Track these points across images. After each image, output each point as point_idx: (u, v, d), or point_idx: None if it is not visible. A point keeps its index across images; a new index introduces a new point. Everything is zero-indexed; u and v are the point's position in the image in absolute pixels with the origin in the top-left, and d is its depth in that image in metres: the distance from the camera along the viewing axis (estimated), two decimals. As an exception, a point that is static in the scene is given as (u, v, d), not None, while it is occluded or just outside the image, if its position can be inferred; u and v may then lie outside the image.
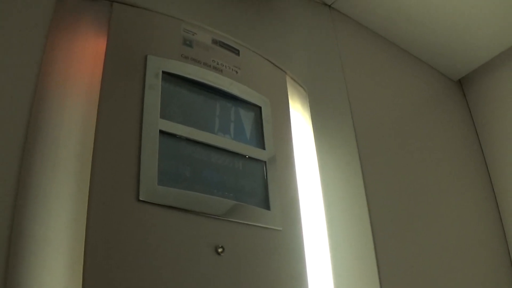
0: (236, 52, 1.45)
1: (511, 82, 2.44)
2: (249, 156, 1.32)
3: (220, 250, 1.14)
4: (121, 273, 0.99)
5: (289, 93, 1.55)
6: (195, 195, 1.16)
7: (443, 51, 2.45)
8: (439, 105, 2.46)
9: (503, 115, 2.43)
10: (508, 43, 2.42)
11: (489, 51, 2.48)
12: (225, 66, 1.39)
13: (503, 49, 2.46)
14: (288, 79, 1.58)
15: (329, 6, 2.11)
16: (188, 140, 1.21)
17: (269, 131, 1.39)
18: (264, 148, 1.36)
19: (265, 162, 1.34)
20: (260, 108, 1.41)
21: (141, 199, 1.06)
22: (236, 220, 1.21)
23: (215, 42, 1.41)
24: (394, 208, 1.80)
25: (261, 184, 1.31)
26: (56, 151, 1.06)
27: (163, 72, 1.24)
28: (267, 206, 1.29)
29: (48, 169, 1.04)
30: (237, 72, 1.40)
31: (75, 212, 1.01)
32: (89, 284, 0.94)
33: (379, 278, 1.56)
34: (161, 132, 1.16)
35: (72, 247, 0.98)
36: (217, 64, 1.37)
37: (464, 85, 2.68)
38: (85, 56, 1.19)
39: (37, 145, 1.05)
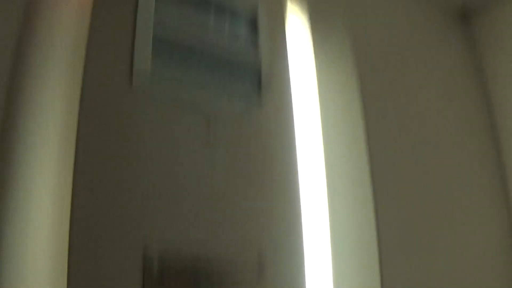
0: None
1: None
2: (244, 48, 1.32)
3: (211, 139, 1.14)
4: (114, 158, 1.01)
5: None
6: (187, 73, 1.18)
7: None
8: (443, 39, 2.42)
9: (509, 51, 2.39)
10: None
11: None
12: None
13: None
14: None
15: None
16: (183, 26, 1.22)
17: (265, 31, 1.40)
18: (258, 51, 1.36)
19: (260, 61, 1.34)
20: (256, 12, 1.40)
21: (134, 85, 1.09)
22: (227, 99, 1.23)
23: None
24: (392, 136, 1.78)
25: (255, 83, 1.32)
26: (54, 36, 1.08)
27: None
28: (259, 102, 1.30)
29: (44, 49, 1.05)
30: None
31: (68, 96, 1.02)
32: (80, 170, 0.95)
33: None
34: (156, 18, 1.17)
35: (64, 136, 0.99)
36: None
37: (469, 19, 2.64)
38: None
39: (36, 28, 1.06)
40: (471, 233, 1.89)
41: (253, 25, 1.39)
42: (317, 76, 1.55)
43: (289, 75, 1.41)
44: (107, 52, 1.08)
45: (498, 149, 2.28)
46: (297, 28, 1.55)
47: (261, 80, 1.32)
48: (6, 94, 0.99)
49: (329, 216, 1.40)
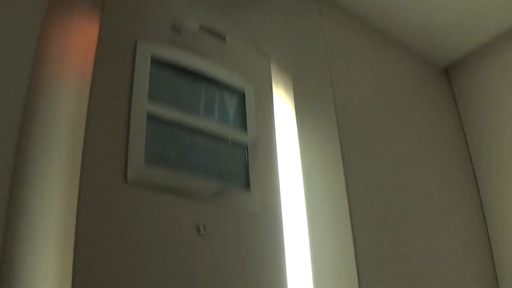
0: (223, 38, 1.50)
1: (497, 70, 2.46)
2: (231, 139, 1.38)
3: (201, 229, 1.19)
4: (110, 250, 1.05)
5: (273, 79, 1.60)
6: (179, 175, 1.23)
7: (429, 38, 2.48)
8: (424, 92, 2.49)
9: (489, 104, 2.45)
10: (496, 31, 2.44)
11: (476, 38, 2.50)
12: (212, 52, 1.44)
13: (490, 37, 2.48)
14: (273, 65, 1.63)
15: (318, -7, 2.15)
16: (174, 123, 1.27)
17: (252, 115, 1.45)
18: (246, 132, 1.41)
19: (247, 145, 1.40)
20: (243, 93, 1.47)
21: (129, 178, 1.12)
22: (217, 201, 1.27)
23: (202, 28, 1.46)
24: (373, 194, 1.84)
25: (242, 166, 1.38)
26: (50, 132, 1.13)
27: (152, 57, 1.30)
28: (247, 188, 1.35)
29: (41, 152, 1.10)
30: (222, 58, 1.45)
31: (67, 192, 1.07)
32: (79, 262, 1.00)
33: (356, 262, 1.61)
34: (149, 115, 1.22)
35: (64, 227, 1.04)
36: (204, 49, 1.42)
37: (450, 73, 2.71)
38: (79, 40, 1.25)
39: (32, 125, 1.10)
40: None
41: (242, 106, 1.45)
42: (300, 150, 1.61)
43: (276, 155, 1.47)
44: (103, 148, 1.12)
45: (480, 198, 2.35)
46: (283, 106, 1.61)
47: (249, 162, 1.38)
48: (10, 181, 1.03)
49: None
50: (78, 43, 1.24)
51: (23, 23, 1.19)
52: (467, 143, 2.52)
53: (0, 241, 0.98)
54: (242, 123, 1.43)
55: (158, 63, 1.31)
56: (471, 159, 2.47)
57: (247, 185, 1.36)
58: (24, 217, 1.02)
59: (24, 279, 0.99)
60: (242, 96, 1.46)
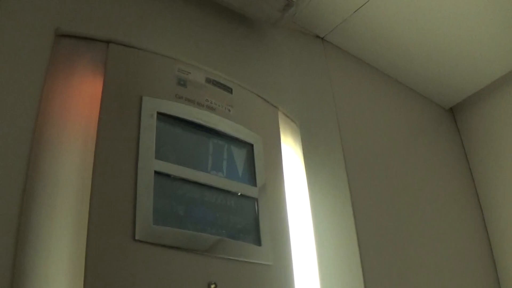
0: (229, 90, 1.49)
1: (502, 111, 2.47)
2: (241, 194, 1.36)
3: (213, 286, 1.17)
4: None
5: (281, 128, 1.59)
6: (188, 233, 1.20)
7: (435, 80, 2.49)
8: (430, 133, 2.49)
9: (494, 144, 2.46)
10: (500, 72, 2.45)
11: (481, 80, 2.51)
12: (218, 104, 1.43)
13: (495, 78, 2.49)
14: (280, 114, 1.62)
15: (322, 38, 2.16)
16: (182, 179, 1.25)
17: (261, 167, 1.43)
18: (255, 185, 1.40)
19: (256, 199, 1.38)
20: (252, 145, 1.45)
21: (137, 238, 1.10)
22: (227, 257, 1.25)
23: (208, 81, 1.45)
24: (385, 243, 1.83)
25: (252, 220, 1.35)
26: (55, 192, 1.10)
27: (158, 113, 1.28)
28: (258, 242, 1.33)
29: (47, 209, 1.07)
30: (229, 111, 1.44)
31: (74, 251, 1.05)
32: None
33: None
34: (156, 172, 1.20)
35: (72, 285, 1.01)
36: (211, 103, 1.41)
37: (455, 113, 2.71)
38: (82, 96, 1.24)
39: (36, 184, 1.08)
40: None
41: (250, 158, 1.43)
42: (310, 197, 1.60)
43: (285, 206, 1.45)
44: (110, 207, 1.11)
45: (487, 236, 2.34)
46: (291, 154, 1.60)
47: (259, 215, 1.36)
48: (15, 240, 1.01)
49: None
50: (82, 99, 1.23)
51: (26, 77, 1.19)
52: (474, 181, 2.53)
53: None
54: (251, 175, 1.41)
55: (164, 119, 1.29)
56: (478, 197, 2.48)
57: (257, 238, 1.33)
58: (30, 280, 0.99)
59: None
60: (250, 148, 1.45)
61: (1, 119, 1.11)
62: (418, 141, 2.37)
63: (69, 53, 1.28)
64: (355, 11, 2.06)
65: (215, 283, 1.18)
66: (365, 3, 2.01)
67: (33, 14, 1.27)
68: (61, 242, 1.06)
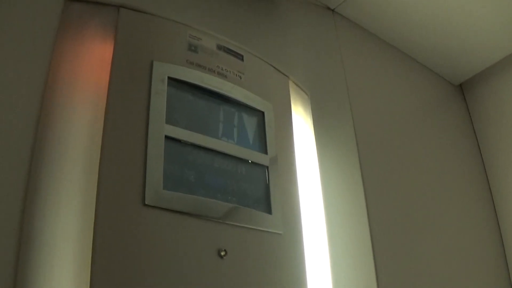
0: (240, 57, 1.47)
1: (511, 86, 2.45)
2: (251, 161, 1.35)
3: (222, 253, 1.16)
4: (128, 275, 1.02)
5: (291, 98, 1.58)
6: (199, 199, 1.19)
7: (445, 56, 2.47)
8: (440, 109, 2.48)
9: (503, 121, 2.45)
10: (510, 49, 2.43)
11: (491, 56, 2.50)
12: (229, 71, 1.41)
13: (504, 55, 2.47)
14: (291, 84, 1.61)
15: (332, 10, 2.14)
16: (193, 145, 1.24)
17: (272, 136, 1.42)
18: (266, 153, 1.38)
19: (267, 166, 1.37)
20: (263, 113, 1.44)
21: (147, 203, 1.09)
22: (238, 224, 1.24)
23: (219, 47, 1.43)
24: (393, 213, 1.83)
25: (263, 188, 1.34)
26: (64, 156, 1.09)
27: (169, 78, 1.27)
28: (268, 210, 1.32)
29: (56, 174, 1.07)
30: (241, 78, 1.43)
31: (83, 216, 1.04)
32: (97, 285, 0.97)
33: (377, 283, 1.59)
34: (167, 137, 1.19)
35: (80, 250, 1.01)
36: (222, 69, 1.39)
37: (465, 90, 2.70)
38: (92, 61, 1.22)
39: (45, 151, 1.08)
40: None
41: (261, 126, 1.42)
42: (320, 167, 1.59)
43: (296, 175, 1.45)
44: (120, 172, 1.10)
45: (496, 213, 2.34)
46: (301, 123, 1.58)
47: (269, 183, 1.35)
48: (19, 223, 1.00)
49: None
50: (92, 64, 1.22)
51: (35, 43, 1.18)
52: (482, 158, 2.52)
53: (15, 260, 0.96)
54: (262, 143, 1.40)
55: (175, 84, 1.28)
56: (486, 174, 2.47)
57: (268, 206, 1.32)
58: (39, 241, 0.99)
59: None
60: (261, 116, 1.43)
61: (11, 85, 1.10)
62: (427, 116, 2.36)
63: (79, 18, 1.26)
64: (366, -18, 2.05)
65: (225, 250, 1.17)
66: (377, -26, 2.00)
67: (43, -23, 1.25)
68: (69, 207, 1.05)
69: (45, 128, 1.10)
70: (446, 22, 2.23)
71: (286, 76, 1.61)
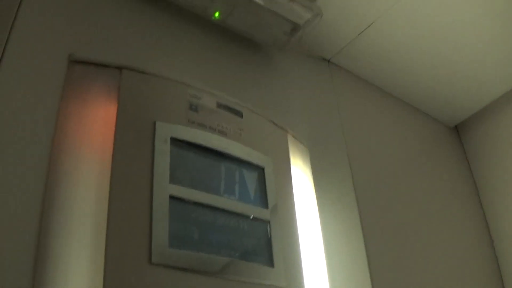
0: (240, 114, 1.51)
1: (506, 128, 2.48)
2: (253, 217, 1.38)
3: (227, 308, 1.19)
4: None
5: (290, 151, 1.61)
6: (203, 256, 1.22)
7: (439, 99, 2.50)
8: (436, 151, 2.50)
9: (499, 160, 2.47)
10: (504, 89, 2.47)
11: (485, 97, 2.52)
12: (230, 129, 1.45)
13: (498, 95, 2.50)
14: (289, 137, 1.64)
15: (328, 60, 2.18)
16: (196, 203, 1.27)
17: (272, 190, 1.45)
18: (267, 207, 1.41)
19: (268, 221, 1.40)
20: (263, 168, 1.47)
21: (153, 262, 1.12)
22: (242, 279, 1.26)
23: (219, 105, 1.47)
24: (394, 261, 1.84)
25: (265, 242, 1.37)
26: (71, 218, 1.12)
27: (172, 138, 1.31)
28: (271, 264, 1.34)
29: (64, 237, 1.09)
30: (240, 134, 1.46)
31: (92, 279, 1.06)
32: None
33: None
34: (171, 196, 1.22)
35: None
36: (222, 127, 1.43)
37: (460, 131, 2.73)
38: (96, 122, 1.26)
39: (53, 212, 1.10)
40: None
41: (262, 181, 1.45)
42: (320, 218, 1.62)
43: (297, 228, 1.48)
44: (126, 231, 1.13)
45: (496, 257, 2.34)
46: (300, 176, 1.62)
47: (271, 238, 1.38)
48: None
49: None
50: (96, 124, 1.25)
51: (40, 104, 1.21)
52: (479, 197, 2.53)
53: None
54: (263, 198, 1.43)
55: (178, 143, 1.32)
56: (484, 214, 2.48)
57: (270, 260, 1.35)
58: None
59: None
60: (261, 172, 1.47)
61: (17, 147, 1.12)
62: (424, 159, 2.39)
63: (83, 79, 1.30)
64: (360, 33, 2.09)
65: (230, 305, 1.20)
66: (370, 25, 2.04)
67: (46, 41, 1.30)
68: (78, 268, 1.08)
69: (52, 191, 1.12)
70: (439, 66, 2.27)
71: (285, 130, 1.65)
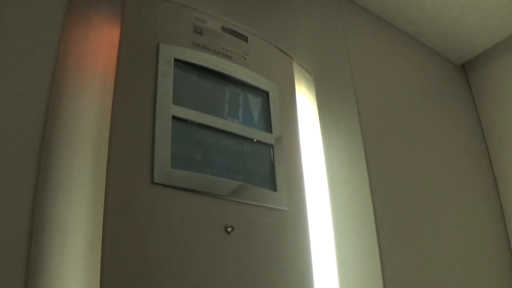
0: (245, 39, 1.49)
1: (513, 66, 2.47)
2: (256, 140, 1.37)
3: (229, 229, 1.20)
4: (138, 250, 1.05)
5: (295, 78, 1.60)
6: (206, 177, 1.22)
7: (447, 36, 2.48)
8: (442, 88, 2.50)
9: (506, 101, 2.46)
10: (512, 29, 2.44)
11: (493, 36, 2.51)
12: (234, 52, 1.44)
13: (507, 35, 2.49)
14: (295, 65, 1.63)
15: (336, -9, 2.16)
16: (199, 125, 1.27)
17: (276, 115, 1.45)
18: (271, 132, 1.41)
19: (272, 145, 1.40)
20: (267, 93, 1.46)
21: (155, 181, 1.12)
22: (244, 201, 1.27)
23: (224, 29, 1.46)
24: (396, 190, 1.85)
25: (268, 166, 1.37)
26: (74, 138, 1.12)
27: (175, 60, 1.29)
28: (274, 188, 1.35)
29: (66, 156, 1.10)
30: (245, 59, 1.45)
31: (93, 195, 1.07)
32: (107, 265, 1.00)
33: (380, 256, 1.62)
34: (174, 117, 1.22)
35: (90, 228, 1.04)
36: (227, 51, 1.42)
37: (467, 70, 2.71)
38: (99, 45, 1.24)
39: (55, 133, 1.11)
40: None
41: (266, 106, 1.45)
42: (324, 146, 1.62)
43: (300, 153, 1.47)
44: (128, 152, 1.13)
45: (498, 193, 2.35)
46: (305, 104, 1.61)
47: (274, 162, 1.38)
48: (34, 188, 1.04)
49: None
50: (99, 46, 1.24)
51: (43, 26, 1.20)
52: (484, 138, 2.54)
53: (27, 241, 0.99)
54: (267, 123, 1.43)
55: (181, 65, 1.30)
56: (489, 154, 2.49)
57: (273, 184, 1.36)
58: (50, 219, 1.03)
59: (52, 277, 0.99)
60: (266, 96, 1.46)
61: (18, 72, 1.12)
62: (430, 96, 2.38)
63: (86, 2, 1.29)
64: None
65: (232, 226, 1.21)
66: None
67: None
68: (80, 187, 1.08)
69: (55, 111, 1.13)
70: (449, 2, 2.24)
71: (290, 57, 1.63)
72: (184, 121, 1.24)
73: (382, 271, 1.61)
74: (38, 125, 1.10)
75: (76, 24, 1.25)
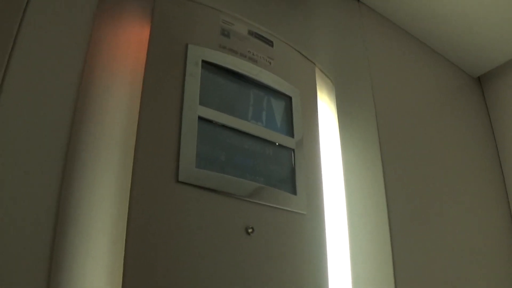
0: (270, 43, 1.52)
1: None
2: (278, 144, 1.39)
3: (250, 230, 1.22)
4: (161, 247, 1.07)
5: (317, 84, 1.62)
6: (229, 178, 1.24)
7: (465, 48, 2.50)
8: (458, 99, 2.51)
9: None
10: (530, 44, 2.45)
11: (510, 50, 2.52)
12: (260, 56, 1.46)
13: (524, 49, 2.50)
14: (317, 71, 1.65)
15: (358, 0, 2.17)
16: (224, 126, 1.29)
17: (298, 120, 1.47)
18: (293, 137, 1.43)
19: (293, 149, 1.41)
20: (290, 98, 1.48)
21: (180, 180, 1.14)
22: (265, 203, 1.29)
23: (251, 33, 1.48)
24: (411, 199, 1.87)
25: (289, 170, 1.39)
26: (101, 136, 1.15)
27: (203, 61, 1.31)
28: (293, 191, 1.37)
29: (92, 154, 1.12)
30: (270, 63, 1.47)
31: (118, 192, 1.09)
32: (130, 262, 1.02)
33: (393, 260, 1.64)
34: (200, 118, 1.24)
35: (115, 226, 1.06)
36: (252, 54, 1.44)
37: (483, 82, 2.72)
38: (128, 45, 1.26)
39: (83, 131, 1.13)
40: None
41: (288, 111, 1.47)
42: (342, 152, 1.63)
43: (320, 158, 1.49)
44: (154, 150, 1.15)
45: (509, 205, 2.36)
46: (325, 110, 1.63)
47: (295, 165, 1.40)
48: (62, 177, 1.06)
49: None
50: (128, 46, 1.26)
51: (73, 26, 1.22)
52: (497, 150, 2.55)
53: (51, 237, 1.01)
54: (289, 127, 1.45)
55: (208, 67, 1.32)
56: (501, 165, 2.50)
57: (293, 187, 1.38)
58: (75, 217, 1.05)
59: (75, 274, 1.01)
60: (289, 101, 1.48)
61: (48, 71, 1.14)
62: (445, 106, 2.40)
63: (117, 2, 1.32)
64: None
65: (252, 227, 1.22)
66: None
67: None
68: (106, 184, 1.11)
69: (83, 110, 1.15)
70: (468, 15, 2.25)
71: (313, 63, 1.65)
72: (210, 122, 1.27)
73: (395, 275, 1.62)
74: (65, 123, 1.12)
75: (106, 24, 1.27)
